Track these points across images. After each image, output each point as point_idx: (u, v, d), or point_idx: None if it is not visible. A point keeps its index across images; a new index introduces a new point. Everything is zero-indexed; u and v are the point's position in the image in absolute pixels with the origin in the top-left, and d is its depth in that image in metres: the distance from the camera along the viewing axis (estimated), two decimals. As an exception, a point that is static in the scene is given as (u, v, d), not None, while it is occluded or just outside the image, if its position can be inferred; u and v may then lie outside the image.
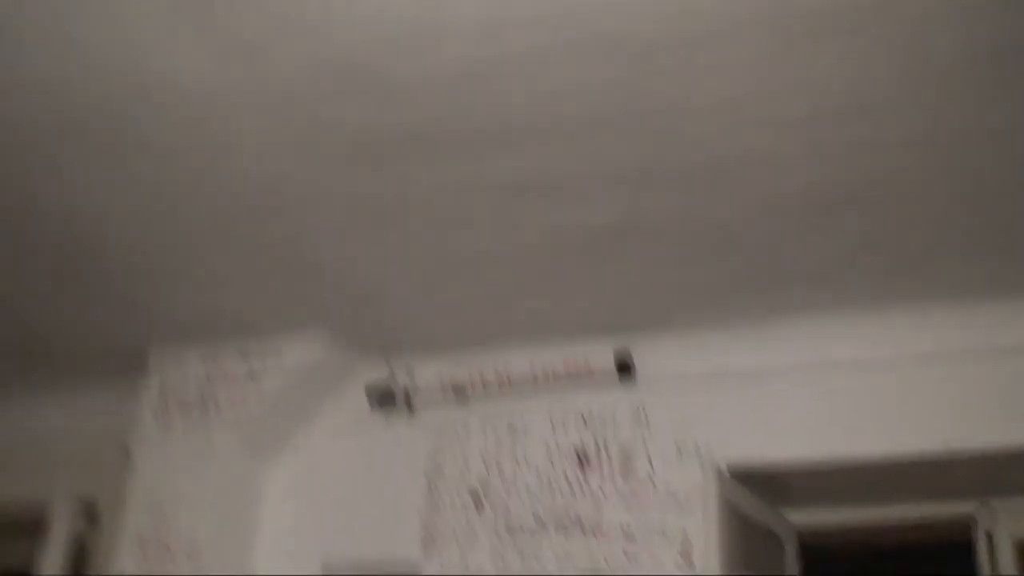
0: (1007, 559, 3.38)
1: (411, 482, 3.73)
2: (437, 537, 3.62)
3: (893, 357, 3.38)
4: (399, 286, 3.43)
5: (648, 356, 3.62)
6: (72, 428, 4.17)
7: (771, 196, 2.88)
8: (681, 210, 2.96)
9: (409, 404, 3.80)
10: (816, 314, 3.44)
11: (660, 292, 3.40)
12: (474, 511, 3.62)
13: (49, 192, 3.02)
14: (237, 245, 3.26)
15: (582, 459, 3.57)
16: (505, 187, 2.89)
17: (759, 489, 3.46)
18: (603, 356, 3.62)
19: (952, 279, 3.26)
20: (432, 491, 3.69)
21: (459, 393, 3.76)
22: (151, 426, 3.86)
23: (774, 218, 2.97)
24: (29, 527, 4.08)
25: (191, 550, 3.62)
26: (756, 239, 3.08)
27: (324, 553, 3.70)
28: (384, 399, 3.83)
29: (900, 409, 3.33)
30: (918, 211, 2.95)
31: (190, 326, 3.76)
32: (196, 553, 3.61)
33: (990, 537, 3.44)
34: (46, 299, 3.66)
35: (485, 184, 2.87)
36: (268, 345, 3.81)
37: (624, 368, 3.59)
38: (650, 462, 3.50)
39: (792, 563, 3.56)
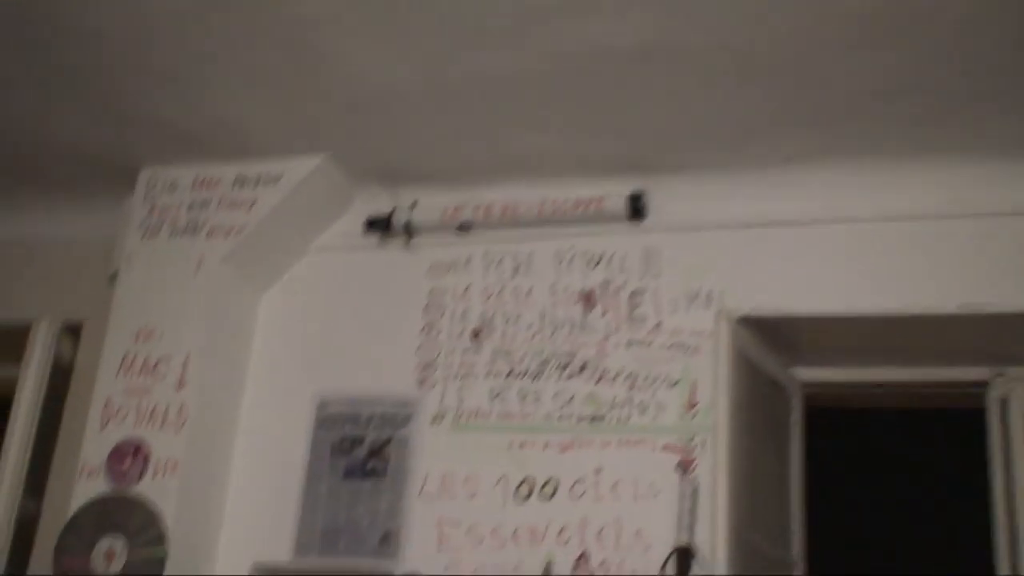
0: (1019, 428, 3.28)
1: (408, 317, 3.60)
2: (434, 374, 3.49)
3: (913, 212, 3.27)
4: (405, 103, 3.26)
5: (661, 200, 3.49)
6: (58, 246, 4.02)
7: (807, 22, 2.72)
8: (709, 33, 2.80)
9: (409, 234, 3.64)
10: (835, 163, 3.32)
11: (678, 128, 3.25)
12: (473, 349, 3.50)
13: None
14: (237, 49, 3.08)
15: (587, 300, 3.44)
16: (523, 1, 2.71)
17: (768, 341, 3.34)
18: (615, 197, 3.47)
19: (984, 133, 3.14)
20: (430, 326, 3.56)
21: (462, 226, 3.60)
22: (139, 246, 3.68)
23: (806, 47, 2.82)
24: (9, 349, 3.91)
25: (176, 375, 3.48)
26: (784, 69, 2.94)
27: (316, 386, 3.57)
28: (383, 229, 3.66)
29: (916, 266, 3.22)
30: (961, 53, 2.81)
31: (185, 143, 3.58)
32: (183, 378, 3.47)
33: (1003, 405, 3.33)
34: (36, 110, 3.48)
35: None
36: (264, 168, 3.62)
37: (636, 210, 3.45)
38: (657, 307, 3.38)
39: (797, 418, 3.45)
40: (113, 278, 3.70)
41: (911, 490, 4.37)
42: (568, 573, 3.14)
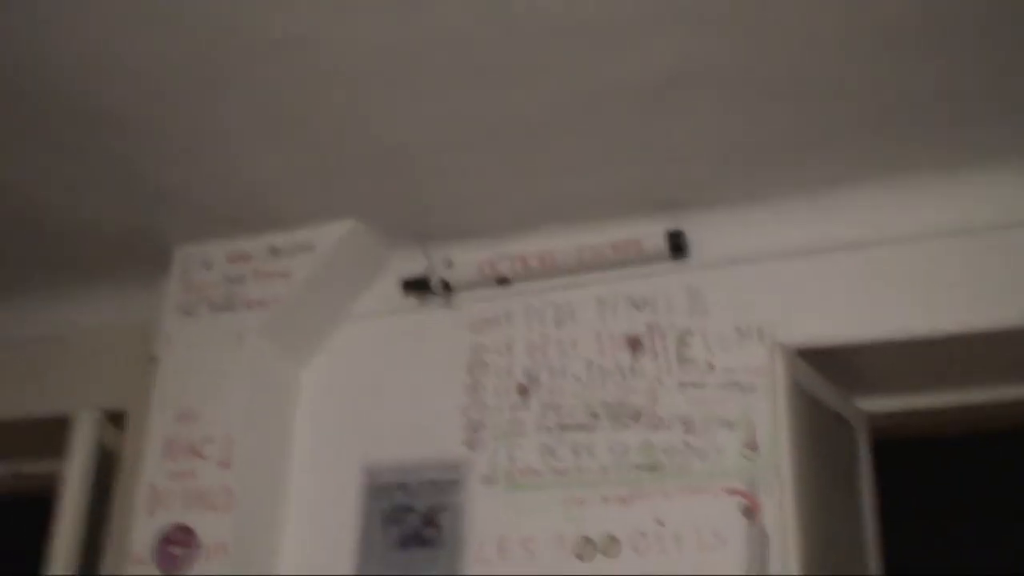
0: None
1: (452, 377, 3.50)
2: (482, 434, 3.39)
3: (966, 225, 3.14)
4: (432, 157, 3.20)
5: (701, 234, 3.38)
6: (95, 333, 3.97)
7: (835, 34, 2.62)
8: (738, 55, 2.71)
9: (447, 292, 3.55)
10: (880, 181, 3.19)
11: (713, 157, 3.14)
12: (521, 405, 3.39)
13: (66, 76, 2.84)
14: (257, 117, 3.04)
15: (634, 346, 3.33)
16: (544, 31, 2.65)
17: (826, 373, 3.20)
18: (654, 235, 3.37)
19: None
20: (475, 385, 3.46)
21: (500, 280, 3.51)
22: (176, 326, 3.63)
23: (836, 59, 2.71)
24: (53, 442, 3.86)
25: (221, 456, 3.40)
26: (819, 87, 2.82)
27: (363, 456, 3.48)
28: (421, 289, 3.58)
29: (974, 280, 3.08)
30: (1005, 56, 2.68)
31: (216, 218, 3.54)
32: (227, 459, 3.39)
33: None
34: (62, 197, 3.45)
35: (523, 29, 2.63)
36: (297, 237, 3.57)
37: (677, 247, 3.35)
38: (708, 346, 3.26)
39: (865, 451, 3.30)
40: (153, 361, 3.64)
41: (992, 519, 4.17)
42: (638, 635, 3.00)
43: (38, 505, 3.82)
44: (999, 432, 3.47)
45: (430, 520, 3.32)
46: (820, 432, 3.10)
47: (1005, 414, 3.32)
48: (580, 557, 3.14)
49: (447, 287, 3.57)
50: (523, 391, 3.41)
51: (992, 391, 3.25)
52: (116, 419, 3.81)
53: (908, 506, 3.58)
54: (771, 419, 3.04)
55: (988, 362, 3.18)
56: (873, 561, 3.19)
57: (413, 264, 3.63)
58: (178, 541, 3.31)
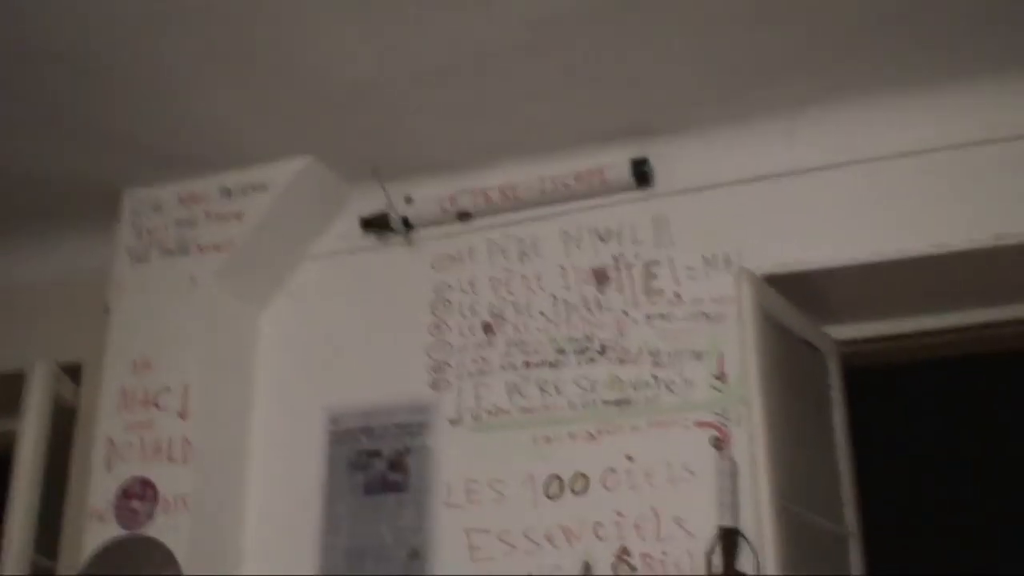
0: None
1: (415, 317, 3.41)
2: (448, 374, 3.30)
3: (937, 143, 3.04)
4: (388, 92, 3.09)
5: (666, 162, 3.28)
6: (48, 285, 3.84)
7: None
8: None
9: (408, 230, 3.44)
10: (850, 101, 3.10)
11: (676, 81, 3.05)
12: (486, 343, 3.30)
13: (3, 14, 2.71)
14: (205, 55, 2.92)
15: (600, 278, 3.24)
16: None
17: (795, 300, 3.11)
18: (618, 165, 3.26)
19: (1010, 51, 2.91)
20: (439, 324, 3.37)
21: (461, 215, 3.41)
22: (127, 273, 3.52)
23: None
24: (8, 400, 3.73)
25: (179, 406, 3.31)
26: (782, 6, 2.72)
27: (326, 401, 3.39)
28: (380, 227, 3.47)
29: (945, 201, 3.00)
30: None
31: (165, 160, 3.42)
32: (185, 409, 3.30)
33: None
34: (6, 142, 3.31)
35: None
36: (250, 177, 3.45)
37: (642, 175, 3.25)
38: (675, 276, 3.18)
39: (836, 380, 3.22)
40: (107, 310, 3.53)
41: (969, 442, 4.11)
42: (608, 573, 2.94)
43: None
44: (976, 355, 3.39)
45: (396, 464, 3.24)
46: (790, 361, 3.02)
47: (980, 338, 3.24)
48: (549, 495, 3.08)
49: (407, 224, 3.46)
50: (488, 329, 3.32)
51: (967, 314, 3.17)
52: (73, 373, 3.69)
53: (879, 434, 3.51)
54: (739, 348, 2.95)
55: (962, 283, 3.10)
56: (847, 491, 3.13)
57: (372, 202, 3.51)
58: (138, 495, 3.23)
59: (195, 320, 3.40)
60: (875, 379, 3.35)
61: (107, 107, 3.17)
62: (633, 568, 2.93)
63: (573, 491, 3.06)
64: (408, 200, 3.46)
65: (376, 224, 3.50)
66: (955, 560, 4.06)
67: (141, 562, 3.12)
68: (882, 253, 3.02)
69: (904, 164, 3.06)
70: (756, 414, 2.80)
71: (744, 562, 2.81)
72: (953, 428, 4.09)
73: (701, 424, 3.00)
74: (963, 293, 3.14)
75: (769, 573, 2.63)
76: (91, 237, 3.74)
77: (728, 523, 2.83)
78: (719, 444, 2.96)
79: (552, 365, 3.22)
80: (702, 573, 2.83)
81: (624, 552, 2.95)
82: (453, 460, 3.20)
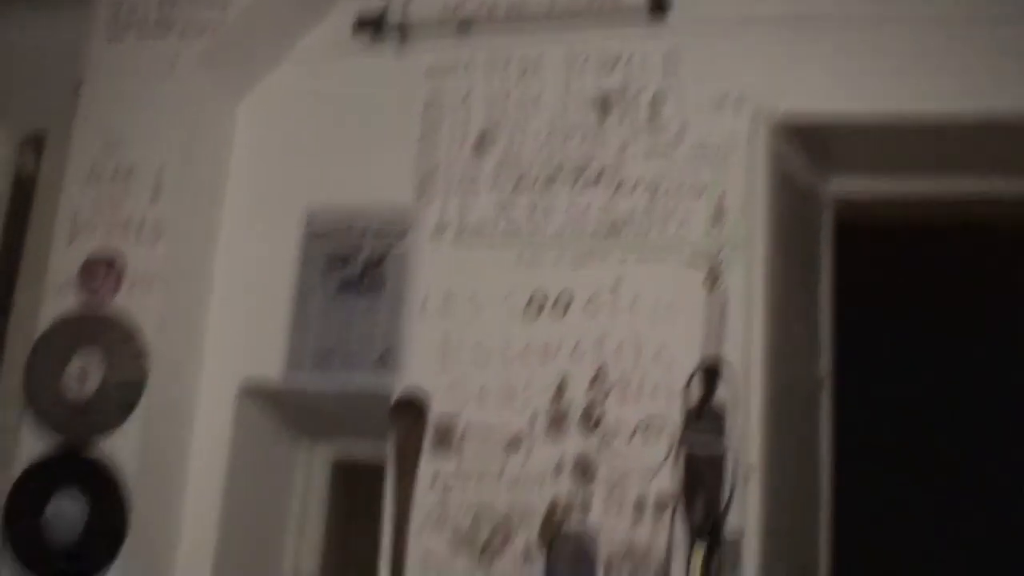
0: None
1: (404, 125, 3.27)
2: (434, 186, 3.19)
3: (971, 11, 2.91)
4: None
5: (686, -6, 3.13)
6: (16, 53, 3.65)
7: None
8: None
9: (403, 35, 3.29)
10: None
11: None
12: (476, 160, 3.19)
13: None
14: None
15: (603, 106, 3.14)
16: None
17: (802, 149, 3.05)
18: (633, -11, 3.12)
19: None
20: (428, 135, 3.25)
21: (462, 24, 3.26)
22: (103, 50, 3.34)
23: None
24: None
25: (150, 188, 3.18)
26: None
27: (305, 199, 3.28)
28: (374, 29, 3.31)
29: (965, 62, 2.89)
30: None
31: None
32: (155, 190, 3.17)
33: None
34: None
35: None
36: (239, -41, 3.26)
37: (658, 3, 3.11)
38: (682, 112, 3.08)
39: (827, 233, 3.19)
40: (79, 88, 3.35)
41: (959, 311, 4.15)
42: (583, 390, 2.90)
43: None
44: (979, 225, 3.37)
45: (373, 267, 3.15)
46: (791, 209, 2.97)
47: (987, 207, 3.21)
48: (527, 316, 3.01)
49: (403, 29, 3.31)
50: (479, 145, 3.21)
51: (972, 183, 3.12)
52: (36, 143, 3.53)
53: (866, 293, 3.51)
54: (743, 190, 2.89)
55: (972, 152, 3.05)
56: (826, 340, 3.13)
57: (368, 1, 3.34)
58: (100, 271, 3.11)
59: (171, 103, 3.25)
60: (864, 239, 3.31)
61: None
62: (607, 392, 2.88)
63: (553, 314, 3.00)
64: (407, 2, 3.31)
65: (369, 26, 3.34)
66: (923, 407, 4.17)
67: (101, 336, 3.01)
68: (887, 109, 2.91)
69: (932, 25, 2.93)
70: (757, 256, 2.79)
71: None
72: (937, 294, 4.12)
73: (694, 261, 2.94)
74: (973, 162, 3.08)
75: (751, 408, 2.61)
76: (71, 10, 3.53)
77: (712, 358, 2.79)
78: (711, 282, 2.91)
79: (544, 189, 3.12)
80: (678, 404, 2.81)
81: (601, 373, 2.90)
82: (432, 271, 3.11)
